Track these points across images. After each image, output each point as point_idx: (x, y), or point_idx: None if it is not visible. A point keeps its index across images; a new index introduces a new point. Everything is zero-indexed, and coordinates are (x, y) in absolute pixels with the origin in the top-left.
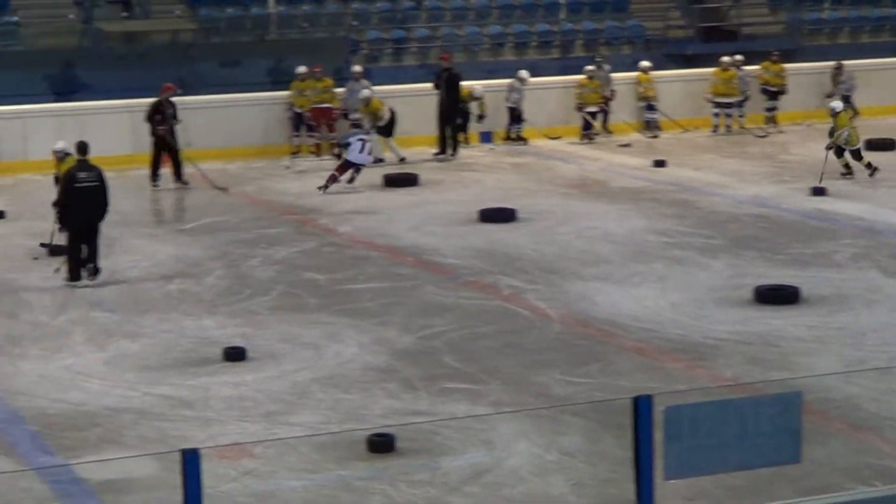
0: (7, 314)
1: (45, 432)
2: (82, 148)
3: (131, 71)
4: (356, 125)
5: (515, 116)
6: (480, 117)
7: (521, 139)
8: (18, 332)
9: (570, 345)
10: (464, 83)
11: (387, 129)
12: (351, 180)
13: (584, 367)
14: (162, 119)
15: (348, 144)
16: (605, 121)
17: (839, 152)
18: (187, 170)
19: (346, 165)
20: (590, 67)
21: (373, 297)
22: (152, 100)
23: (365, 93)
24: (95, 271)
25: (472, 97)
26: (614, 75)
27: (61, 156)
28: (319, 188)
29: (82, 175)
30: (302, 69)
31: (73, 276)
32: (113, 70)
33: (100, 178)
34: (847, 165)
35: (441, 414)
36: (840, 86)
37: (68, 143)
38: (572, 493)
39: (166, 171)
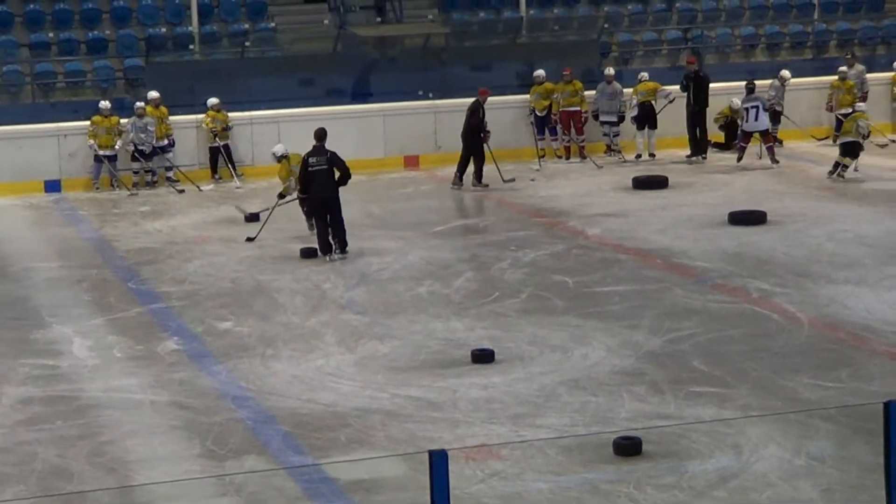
0: (260, 316)
1: (296, 432)
2: (319, 135)
3: (385, 75)
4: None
5: (773, 117)
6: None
7: (776, 140)
8: (271, 334)
9: (820, 349)
10: (718, 93)
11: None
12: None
13: (834, 371)
14: (479, 122)
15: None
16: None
17: None
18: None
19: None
20: (842, 69)
21: (620, 299)
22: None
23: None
24: (342, 245)
25: (734, 111)
26: (869, 76)
27: (279, 157)
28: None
29: (313, 160)
30: (540, 73)
31: (324, 249)
32: (367, 74)
33: (328, 161)
34: None
35: (688, 417)
36: None
37: (286, 147)
38: (822, 498)
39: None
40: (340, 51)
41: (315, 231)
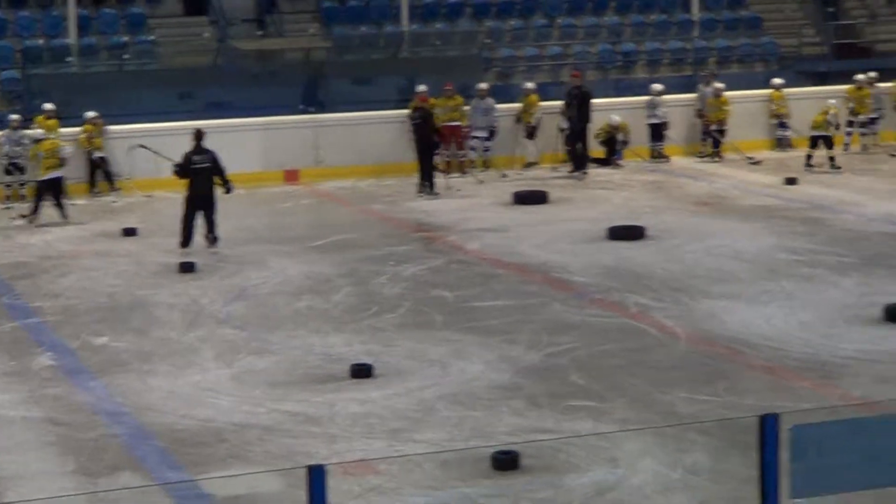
0: (137, 331)
1: (172, 448)
2: (199, 136)
3: (265, 89)
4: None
5: (657, 133)
6: (625, 143)
7: (662, 156)
8: (148, 349)
9: (697, 363)
10: (598, 112)
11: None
12: None
13: (710, 385)
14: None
15: None
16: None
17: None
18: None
19: None
20: (719, 85)
21: (499, 314)
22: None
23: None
24: (214, 240)
25: (613, 127)
26: (748, 93)
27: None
28: None
29: (197, 158)
30: (422, 88)
31: (185, 242)
32: (247, 88)
33: (211, 160)
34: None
35: (566, 431)
36: None
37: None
38: None
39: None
40: (221, 64)
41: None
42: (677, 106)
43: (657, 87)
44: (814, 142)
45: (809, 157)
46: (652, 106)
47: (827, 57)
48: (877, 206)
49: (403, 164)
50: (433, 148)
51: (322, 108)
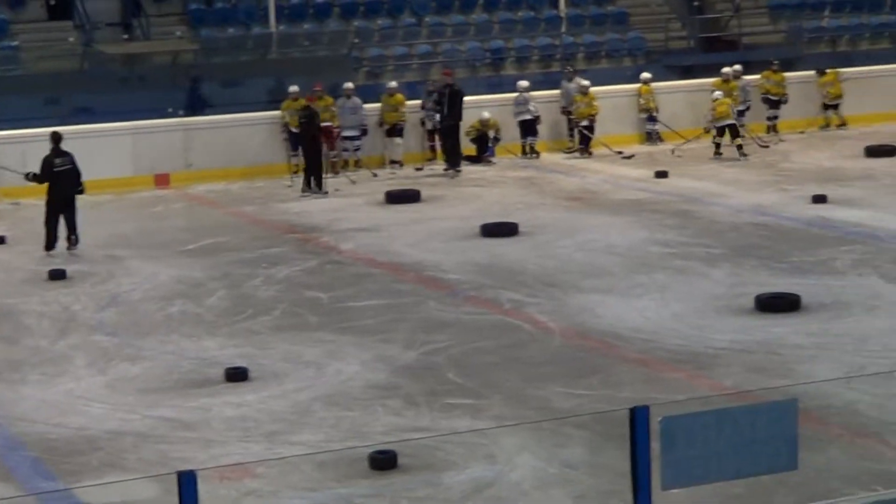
0: (7, 339)
1: (45, 458)
2: (58, 139)
3: (133, 93)
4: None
5: (530, 129)
6: (496, 140)
7: (534, 152)
8: (18, 357)
9: (572, 357)
10: (469, 109)
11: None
12: None
13: (585, 379)
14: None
15: None
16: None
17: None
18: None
19: None
20: (584, 82)
21: (374, 314)
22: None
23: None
24: (76, 241)
25: (484, 124)
26: (615, 88)
27: None
28: None
29: (58, 161)
30: (294, 89)
31: (49, 245)
32: (114, 93)
33: (73, 163)
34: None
35: (443, 429)
36: None
37: None
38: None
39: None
40: (87, 69)
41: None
42: (546, 102)
43: (523, 83)
44: (720, 131)
45: (718, 145)
46: (521, 103)
47: (693, 51)
48: (745, 198)
49: (274, 165)
50: (319, 147)
51: (192, 111)
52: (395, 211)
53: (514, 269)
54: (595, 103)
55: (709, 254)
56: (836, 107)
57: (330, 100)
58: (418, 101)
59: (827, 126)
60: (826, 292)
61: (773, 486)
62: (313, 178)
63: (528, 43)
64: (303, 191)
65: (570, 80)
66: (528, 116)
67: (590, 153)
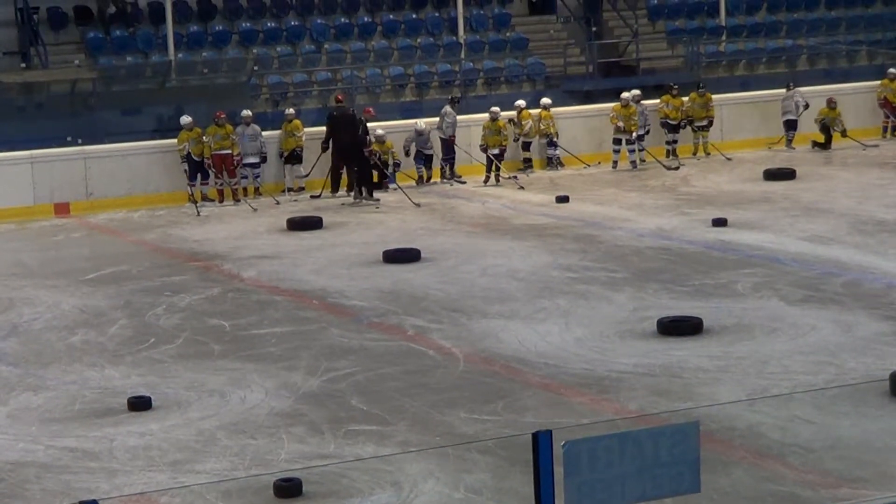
0: None
1: None
2: None
3: (31, 122)
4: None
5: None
6: (397, 165)
7: (455, 176)
8: None
9: (476, 383)
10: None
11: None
12: None
13: (490, 404)
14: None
15: None
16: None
17: None
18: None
19: None
20: (494, 109)
21: (278, 341)
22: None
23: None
24: None
25: (384, 150)
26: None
27: None
28: None
29: None
30: (187, 120)
31: None
32: (12, 121)
33: None
34: None
35: (347, 456)
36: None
37: None
38: None
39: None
40: None
41: None
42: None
43: (420, 125)
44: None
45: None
46: (420, 133)
47: (593, 76)
48: (647, 221)
49: (176, 193)
50: (368, 157)
51: (91, 140)
52: (298, 238)
53: (418, 294)
54: (506, 132)
55: (611, 278)
56: (705, 128)
57: (230, 128)
58: (317, 129)
59: (695, 153)
60: (727, 315)
61: None
62: (364, 188)
63: (427, 69)
64: (354, 197)
65: (453, 105)
66: (431, 152)
67: (498, 180)
